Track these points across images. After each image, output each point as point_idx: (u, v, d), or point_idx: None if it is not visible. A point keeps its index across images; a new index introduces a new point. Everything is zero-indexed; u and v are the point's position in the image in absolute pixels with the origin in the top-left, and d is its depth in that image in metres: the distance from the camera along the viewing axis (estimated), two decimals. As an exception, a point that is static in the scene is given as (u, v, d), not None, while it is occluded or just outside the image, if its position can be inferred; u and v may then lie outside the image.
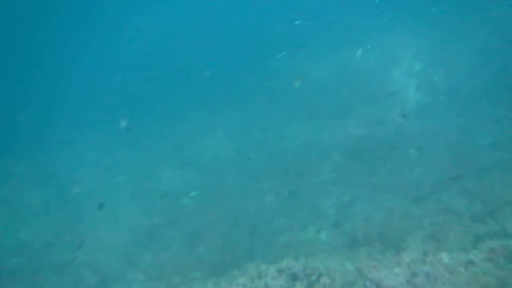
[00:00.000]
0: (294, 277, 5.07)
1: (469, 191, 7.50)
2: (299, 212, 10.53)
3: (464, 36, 13.46)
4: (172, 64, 22.79)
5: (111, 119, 16.98)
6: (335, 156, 11.57)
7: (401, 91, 12.79)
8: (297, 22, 23.20)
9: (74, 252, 9.23)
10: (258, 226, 10.28)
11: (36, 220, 11.54)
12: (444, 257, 4.65)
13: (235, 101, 16.53)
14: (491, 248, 4.61)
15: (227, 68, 19.30)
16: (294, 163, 12.05)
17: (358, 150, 11.39)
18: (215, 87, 18.11)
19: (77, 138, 16.95)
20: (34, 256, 10.13)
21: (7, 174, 14.29)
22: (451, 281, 4.22)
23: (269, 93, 16.74)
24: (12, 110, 20.27)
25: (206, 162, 13.45)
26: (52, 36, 23.67)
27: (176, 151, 14.23)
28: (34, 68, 24.59)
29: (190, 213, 11.50)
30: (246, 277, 5.36)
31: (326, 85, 15.14)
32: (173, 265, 9.08)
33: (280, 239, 8.93)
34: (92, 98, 21.62)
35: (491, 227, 5.95)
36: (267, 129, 13.99)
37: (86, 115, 20.01)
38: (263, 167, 12.43)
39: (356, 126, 12.00)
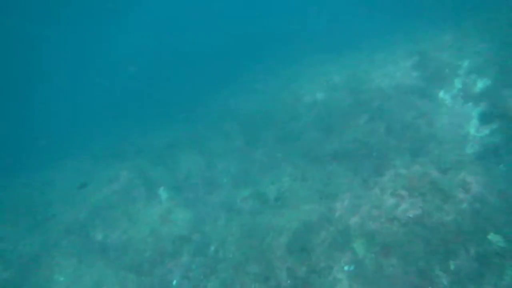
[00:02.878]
0: None
1: None
2: None
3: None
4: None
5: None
6: (360, 249, 6.50)
7: (455, 125, 7.88)
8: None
9: None
10: None
11: None
12: None
13: (190, 137, 11.20)
14: None
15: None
16: (287, 259, 6.90)
17: (401, 240, 6.38)
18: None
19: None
20: None
21: None
22: None
23: (238, 120, 11.58)
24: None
25: (137, 248, 8.09)
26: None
27: (88, 229, 8.69)
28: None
29: None
30: None
31: (332, 112, 10.05)
32: None
33: None
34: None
35: None
36: (239, 184, 8.76)
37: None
38: (234, 261, 7.23)
39: (393, 194, 6.91)
